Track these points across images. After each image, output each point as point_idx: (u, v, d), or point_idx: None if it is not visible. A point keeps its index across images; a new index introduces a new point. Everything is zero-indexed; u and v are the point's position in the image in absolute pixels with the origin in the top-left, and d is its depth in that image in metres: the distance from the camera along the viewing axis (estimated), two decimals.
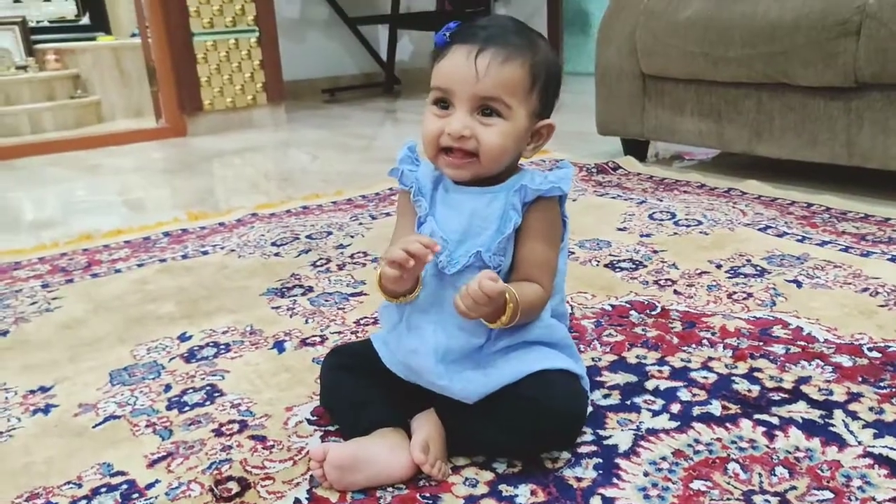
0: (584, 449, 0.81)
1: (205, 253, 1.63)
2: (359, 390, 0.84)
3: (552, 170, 0.82)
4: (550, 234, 0.81)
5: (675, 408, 0.88)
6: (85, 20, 4.57)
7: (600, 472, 0.77)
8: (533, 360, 0.79)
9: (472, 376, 0.79)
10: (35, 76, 3.93)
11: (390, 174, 0.87)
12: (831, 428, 0.82)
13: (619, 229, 1.61)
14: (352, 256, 1.54)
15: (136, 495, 0.79)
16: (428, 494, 0.75)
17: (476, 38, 0.77)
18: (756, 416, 0.85)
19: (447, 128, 0.77)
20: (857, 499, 0.71)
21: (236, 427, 0.91)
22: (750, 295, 1.21)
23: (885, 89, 1.68)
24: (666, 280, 1.30)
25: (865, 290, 1.20)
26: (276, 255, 1.59)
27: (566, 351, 0.84)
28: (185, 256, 1.62)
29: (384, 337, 0.86)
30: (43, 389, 1.05)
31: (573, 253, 1.48)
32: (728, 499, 0.72)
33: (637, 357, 1.02)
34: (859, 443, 0.79)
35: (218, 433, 0.90)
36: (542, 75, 0.79)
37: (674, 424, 0.85)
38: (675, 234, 1.56)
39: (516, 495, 0.74)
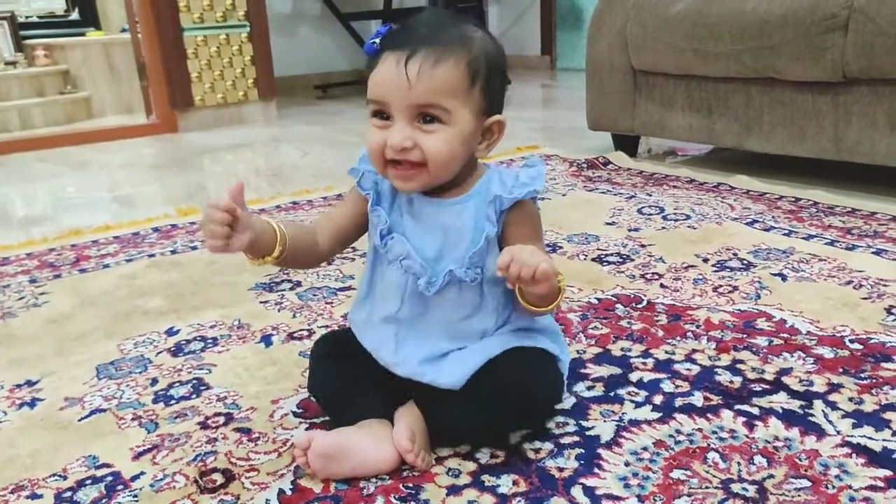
0: (566, 440, 0.82)
1: (194, 248, 1.63)
2: (345, 381, 0.85)
3: (522, 168, 0.80)
4: (537, 229, 0.81)
5: (658, 399, 0.89)
6: (74, 15, 4.54)
7: (582, 462, 0.77)
8: (511, 339, 0.80)
9: (453, 365, 0.79)
10: (24, 72, 3.91)
11: (350, 173, 0.84)
12: (811, 418, 0.83)
13: (608, 224, 1.62)
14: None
15: (120, 487, 0.79)
16: (411, 484, 0.76)
17: (404, 42, 0.73)
18: (737, 407, 0.86)
19: (389, 141, 0.73)
20: (834, 487, 0.71)
21: (222, 420, 0.91)
22: (735, 288, 1.22)
23: (873, 84, 1.69)
24: (653, 274, 1.31)
25: (849, 282, 1.21)
26: None
27: (550, 335, 0.84)
28: (173, 252, 1.62)
29: (360, 325, 0.85)
30: (29, 383, 1.05)
31: (561, 247, 1.48)
32: (707, 487, 0.72)
33: (622, 349, 1.03)
34: (838, 432, 0.80)
35: (203, 426, 0.90)
36: (483, 70, 0.75)
37: (656, 415, 0.86)
38: (664, 228, 1.57)
39: (498, 485, 0.75)
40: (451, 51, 0.73)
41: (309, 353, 0.93)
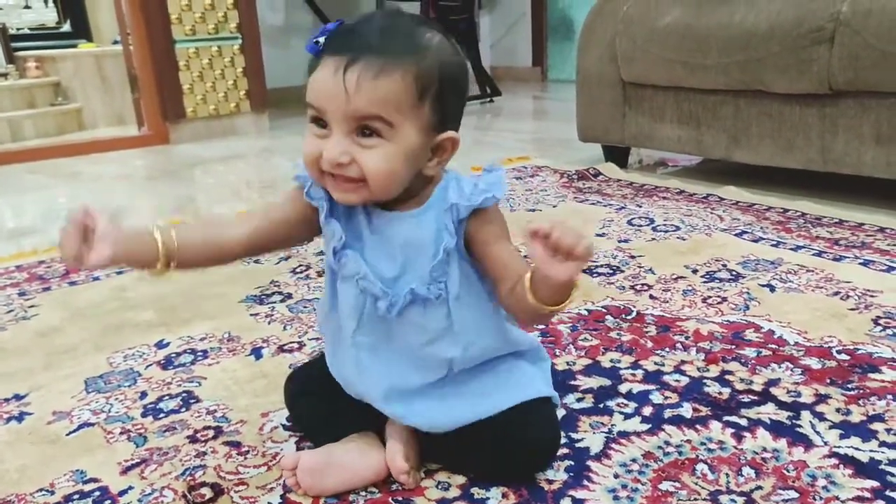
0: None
1: None
2: (323, 408, 0.83)
3: (482, 173, 0.74)
4: (505, 231, 0.74)
5: (647, 410, 0.89)
6: (66, 27, 4.54)
7: (571, 474, 0.78)
8: (503, 390, 0.76)
9: (431, 408, 0.76)
10: (15, 83, 3.90)
11: (296, 179, 0.76)
12: (798, 429, 0.84)
13: (598, 235, 1.63)
14: None
15: (108, 502, 0.79)
16: (400, 498, 0.76)
17: (346, 47, 0.66)
18: (725, 418, 0.86)
19: (324, 153, 0.67)
20: (821, 498, 0.72)
21: (211, 433, 0.91)
22: (724, 299, 1.23)
23: (859, 96, 1.71)
24: (642, 285, 1.32)
25: (837, 293, 1.22)
26: (256, 261, 1.58)
27: (532, 356, 0.83)
28: None
29: (330, 339, 0.81)
30: (17, 397, 1.04)
31: None
32: (695, 499, 0.73)
33: (611, 361, 1.03)
34: (825, 443, 0.81)
35: (193, 439, 0.90)
36: (435, 83, 0.68)
37: (645, 427, 0.86)
38: (653, 239, 1.57)
39: (488, 498, 0.75)
40: (398, 61, 0.65)
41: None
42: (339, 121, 0.66)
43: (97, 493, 0.80)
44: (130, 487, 0.81)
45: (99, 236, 0.65)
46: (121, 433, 0.93)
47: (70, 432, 0.94)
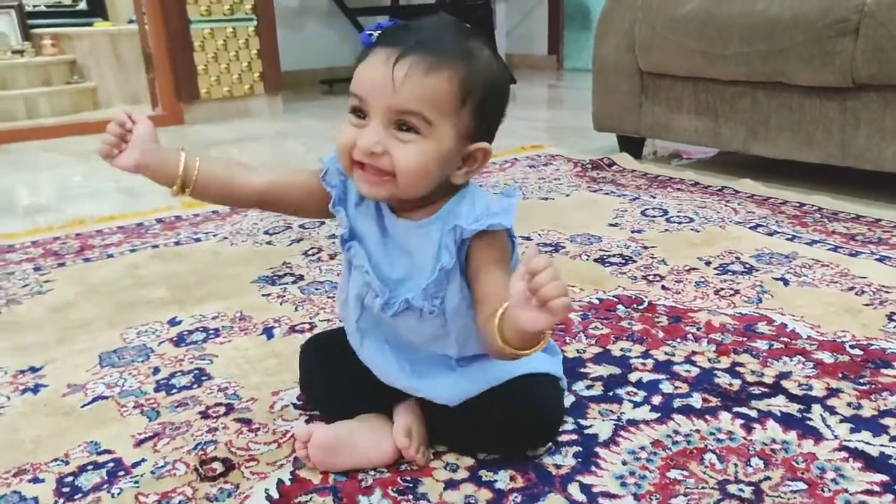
0: (564, 437, 0.82)
1: (197, 240, 1.64)
2: (338, 380, 0.85)
3: (499, 195, 0.74)
4: (504, 260, 0.73)
5: (657, 400, 0.89)
6: (82, 5, 4.55)
7: (579, 459, 0.78)
8: (512, 363, 0.75)
9: (448, 381, 0.77)
10: (31, 61, 3.91)
11: (321, 161, 0.78)
12: (808, 422, 0.83)
13: (611, 225, 1.62)
14: None
15: (121, 473, 0.80)
16: (409, 478, 0.76)
17: (401, 41, 0.67)
18: (735, 409, 0.86)
19: (359, 141, 0.67)
20: (829, 490, 0.72)
21: (223, 410, 0.92)
22: (737, 292, 1.22)
23: (882, 90, 1.69)
24: (654, 276, 1.31)
25: (851, 289, 1.22)
26: (269, 243, 1.59)
27: (545, 348, 0.83)
28: (177, 243, 1.62)
29: (346, 322, 0.83)
30: (33, 370, 1.06)
31: (564, 247, 1.48)
32: (703, 487, 0.73)
33: (622, 350, 1.03)
34: (835, 437, 0.80)
35: (204, 415, 0.91)
36: (479, 91, 0.68)
37: (654, 416, 0.86)
38: (667, 230, 1.57)
39: (496, 480, 0.75)
40: (449, 62, 0.67)
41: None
42: (380, 112, 0.67)
43: (111, 465, 0.82)
44: (143, 460, 0.82)
45: (132, 142, 0.73)
46: (134, 407, 0.94)
47: (84, 405, 0.95)
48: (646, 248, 1.46)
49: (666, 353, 1.01)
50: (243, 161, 0.84)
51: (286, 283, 1.35)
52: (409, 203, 0.73)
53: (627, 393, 0.91)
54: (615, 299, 1.21)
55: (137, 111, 0.76)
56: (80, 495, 0.76)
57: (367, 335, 0.79)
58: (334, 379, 0.85)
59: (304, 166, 0.81)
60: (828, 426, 0.82)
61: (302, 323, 1.17)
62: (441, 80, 0.66)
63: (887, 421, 0.83)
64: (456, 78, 0.67)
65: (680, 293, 1.23)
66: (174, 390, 0.98)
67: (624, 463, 0.77)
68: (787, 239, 1.48)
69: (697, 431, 0.82)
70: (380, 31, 0.70)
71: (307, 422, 0.89)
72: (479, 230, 0.69)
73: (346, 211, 0.76)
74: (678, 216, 1.66)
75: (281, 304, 1.26)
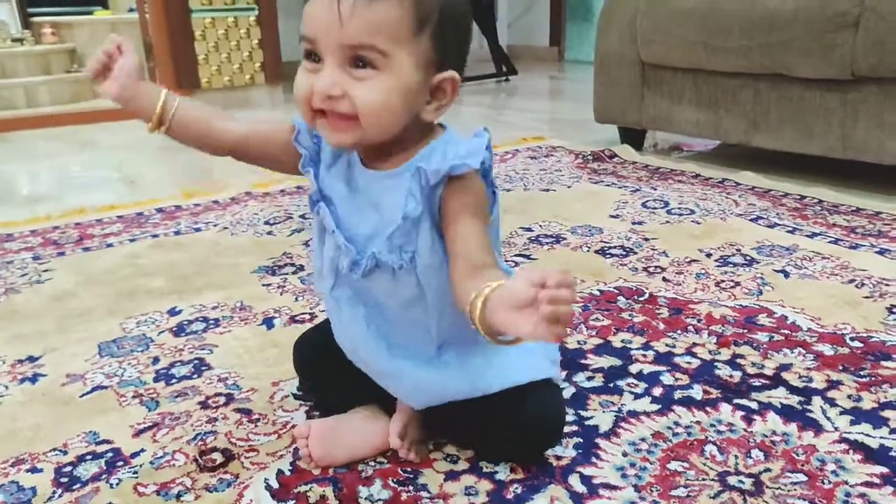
0: (565, 429, 0.81)
1: (198, 230, 1.63)
2: (329, 379, 0.83)
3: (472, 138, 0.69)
4: (478, 207, 0.68)
5: (658, 391, 0.89)
6: None
7: (580, 451, 0.78)
8: (501, 370, 0.73)
9: (424, 376, 0.73)
10: (31, 49, 3.90)
11: (293, 121, 0.75)
12: (809, 414, 0.83)
13: (612, 216, 1.62)
14: None
15: (120, 463, 0.80)
16: (409, 469, 0.76)
17: None
18: (736, 401, 0.86)
19: (315, 85, 0.63)
20: (830, 482, 0.72)
21: (222, 400, 0.92)
22: (737, 284, 1.22)
23: (882, 83, 1.68)
24: (655, 267, 1.31)
25: (852, 281, 1.21)
26: (269, 233, 1.59)
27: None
28: (177, 233, 1.62)
29: (324, 298, 0.79)
30: (31, 359, 1.06)
31: (564, 238, 1.48)
32: (703, 479, 0.73)
33: (622, 341, 1.03)
34: (836, 428, 0.80)
35: (204, 405, 0.91)
36: (435, 14, 0.64)
37: (655, 407, 0.86)
38: (667, 222, 1.56)
39: (496, 472, 0.75)
40: None
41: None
42: (332, 51, 0.63)
43: (110, 454, 0.82)
44: (143, 450, 0.82)
45: (114, 74, 0.73)
46: (133, 397, 0.94)
47: (83, 394, 0.95)
48: (647, 239, 1.46)
49: (667, 345, 1.01)
50: (220, 110, 0.81)
51: (286, 274, 1.34)
52: (380, 151, 0.69)
53: (628, 384, 0.91)
54: (616, 291, 1.21)
55: (124, 42, 0.75)
56: (78, 485, 0.76)
57: (342, 305, 0.74)
58: (326, 376, 0.84)
59: (280, 122, 0.79)
60: (828, 418, 0.82)
61: (302, 313, 1.17)
62: (390, 5, 0.62)
63: (887, 413, 0.83)
64: (406, 2, 0.62)
65: (681, 285, 1.23)
66: (174, 380, 0.97)
67: (624, 454, 0.77)
68: (788, 231, 1.47)
69: (698, 423, 0.82)
70: None
71: (307, 413, 0.88)
72: (444, 173, 0.65)
73: (316, 172, 0.74)
74: (679, 208, 1.66)
75: (281, 294, 1.25)
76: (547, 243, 1.46)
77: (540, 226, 1.56)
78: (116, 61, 0.73)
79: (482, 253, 0.64)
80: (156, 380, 0.98)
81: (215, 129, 0.78)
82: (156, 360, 1.03)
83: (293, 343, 0.92)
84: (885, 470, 0.73)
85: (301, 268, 1.37)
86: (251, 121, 0.80)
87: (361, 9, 0.61)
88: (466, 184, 0.67)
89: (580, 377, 0.93)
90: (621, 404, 0.87)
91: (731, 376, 0.92)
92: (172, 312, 1.19)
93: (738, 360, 0.96)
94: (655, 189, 1.82)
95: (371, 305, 0.73)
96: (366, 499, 0.72)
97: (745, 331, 1.04)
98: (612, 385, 0.91)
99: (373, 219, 0.70)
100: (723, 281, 1.24)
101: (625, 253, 1.39)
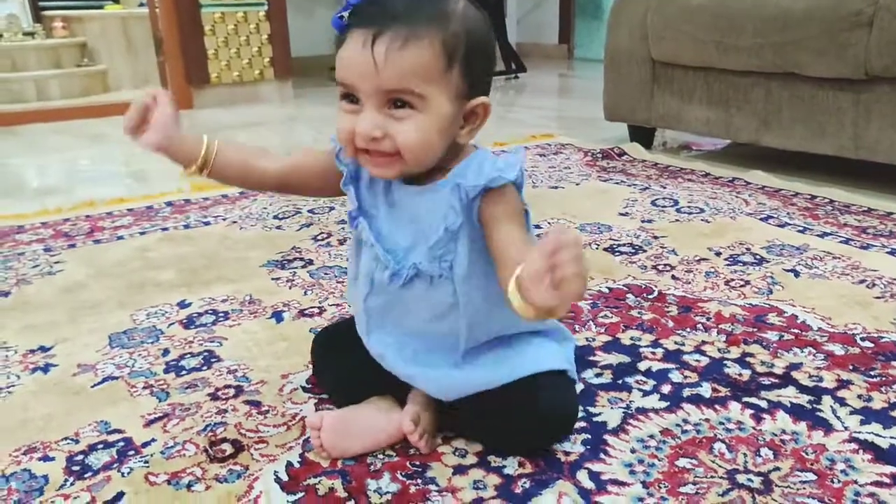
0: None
1: (207, 223, 1.64)
2: (347, 369, 0.84)
3: (503, 154, 0.73)
4: (515, 214, 0.71)
5: (666, 388, 0.89)
6: None
7: (588, 447, 0.78)
8: (519, 361, 0.76)
9: (449, 374, 0.76)
10: (42, 43, 3.92)
11: (332, 140, 0.77)
12: (819, 413, 0.83)
13: (621, 214, 1.61)
14: None
15: (131, 452, 0.80)
16: (418, 462, 0.76)
17: (372, 18, 0.65)
18: (745, 399, 0.86)
19: (357, 128, 0.67)
20: (839, 481, 0.72)
21: (232, 392, 0.92)
22: (747, 282, 1.22)
23: (895, 83, 1.67)
24: (664, 265, 1.31)
25: (863, 281, 1.21)
26: (278, 227, 1.59)
27: (555, 335, 0.82)
28: (187, 226, 1.63)
29: (353, 306, 0.83)
30: (43, 349, 1.06)
31: None
32: (712, 477, 0.73)
33: (631, 339, 1.03)
34: (846, 428, 0.80)
35: (214, 397, 0.91)
36: (461, 48, 0.67)
37: (663, 404, 0.86)
38: (677, 220, 1.56)
39: (504, 466, 0.75)
40: (424, 29, 0.65)
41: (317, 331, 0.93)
42: (371, 95, 0.66)
43: (121, 444, 0.82)
44: (153, 439, 0.83)
45: (153, 124, 0.74)
46: (144, 388, 0.94)
47: (95, 384, 0.96)
48: (656, 237, 1.45)
49: (676, 343, 1.01)
50: (258, 147, 0.84)
51: (295, 268, 1.35)
52: (421, 173, 0.73)
53: (637, 381, 0.91)
54: (625, 288, 1.21)
55: (162, 92, 0.76)
56: (90, 473, 0.77)
57: (374, 316, 0.78)
58: (345, 366, 0.85)
59: (315, 150, 0.82)
60: (838, 417, 0.82)
61: (311, 307, 1.17)
62: (421, 49, 0.65)
63: None
64: (436, 43, 0.66)
65: (690, 283, 1.22)
66: (184, 372, 0.98)
67: (633, 451, 0.77)
68: (799, 231, 1.47)
69: (707, 421, 0.82)
70: (349, 11, 0.68)
71: (317, 405, 0.89)
72: (482, 186, 0.69)
73: (356, 189, 0.77)
74: (689, 206, 1.65)
75: (290, 288, 1.26)
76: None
77: (549, 223, 1.56)
78: (153, 112, 0.74)
79: (520, 251, 0.65)
80: (166, 371, 0.98)
81: (255, 169, 0.81)
82: (166, 351, 1.04)
83: (304, 335, 0.92)
84: (894, 470, 0.73)
85: (310, 262, 1.38)
86: (288, 157, 0.83)
87: (394, 54, 0.64)
88: (501, 194, 0.70)
89: (589, 374, 0.93)
90: (630, 401, 0.87)
91: (740, 375, 0.92)
92: (182, 305, 1.20)
93: (748, 359, 0.96)
94: (665, 187, 1.82)
95: (401, 319, 0.77)
96: (374, 491, 0.72)
97: (755, 329, 1.04)
98: (620, 382, 0.91)
99: (411, 231, 0.74)
100: (732, 279, 1.23)
101: (634, 251, 1.39)
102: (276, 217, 1.66)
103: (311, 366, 0.94)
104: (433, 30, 0.66)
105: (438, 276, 0.72)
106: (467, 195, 0.70)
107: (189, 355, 1.03)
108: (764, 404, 0.85)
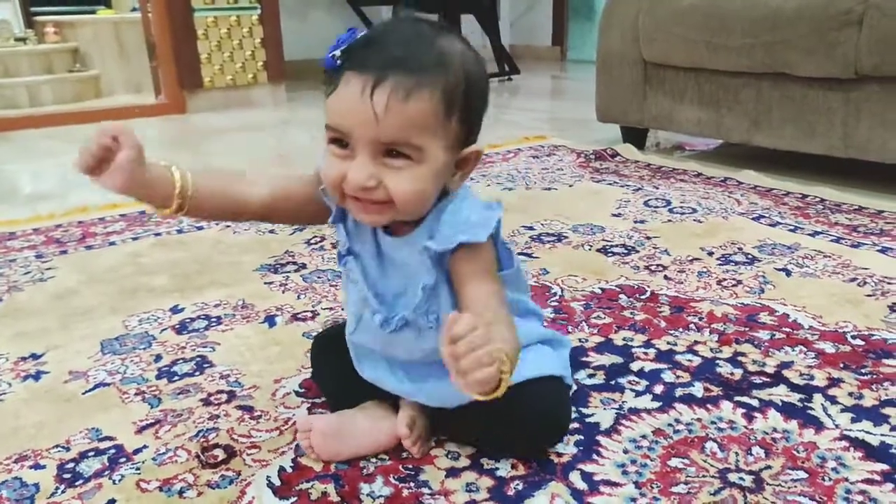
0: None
1: (200, 228, 1.64)
2: (344, 373, 0.83)
3: (483, 207, 0.70)
4: (487, 269, 0.69)
5: (659, 389, 0.89)
6: None
7: (581, 448, 0.78)
8: (520, 367, 0.70)
9: (446, 385, 0.71)
10: (34, 49, 3.90)
11: (317, 169, 0.72)
12: (810, 411, 0.83)
13: (614, 215, 1.62)
14: None
15: (123, 459, 0.80)
16: (410, 466, 0.76)
17: (371, 63, 0.62)
18: (737, 399, 0.86)
19: (349, 176, 0.64)
20: (830, 479, 0.72)
21: (224, 397, 0.92)
22: (739, 282, 1.22)
23: (885, 82, 1.68)
24: (657, 265, 1.31)
25: (853, 279, 1.21)
26: (271, 231, 1.59)
27: (550, 340, 0.82)
28: (179, 231, 1.62)
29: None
30: (34, 356, 1.06)
31: (566, 237, 1.48)
32: (704, 476, 0.73)
33: (624, 339, 1.03)
34: (836, 426, 0.80)
35: (206, 402, 0.91)
36: (461, 96, 0.65)
37: (656, 405, 0.86)
38: (669, 221, 1.56)
39: (497, 468, 0.75)
40: (427, 78, 0.62)
41: (313, 335, 0.93)
42: (366, 145, 0.63)
43: (112, 451, 0.82)
44: (145, 446, 0.82)
45: (116, 166, 0.63)
46: (136, 394, 0.94)
47: (86, 391, 0.95)
48: (648, 238, 1.46)
49: (668, 343, 1.01)
50: (236, 174, 0.77)
51: (288, 272, 1.35)
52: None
53: (629, 382, 0.91)
54: (618, 289, 1.21)
55: (124, 131, 0.64)
56: (81, 481, 0.77)
57: (361, 349, 0.79)
58: (341, 371, 0.84)
59: (308, 153, 0.79)
60: (829, 416, 0.82)
61: (304, 311, 1.17)
62: (423, 101, 0.62)
63: (888, 411, 0.83)
64: (437, 92, 0.63)
65: (682, 283, 1.23)
66: (176, 377, 0.98)
67: (625, 451, 0.77)
68: (790, 230, 1.47)
69: (699, 420, 0.82)
70: (343, 51, 0.64)
71: (309, 409, 0.89)
72: (452, 248, 0.67)
73: (345, 226, 0.74)
74: (681, 207, 1.66)
75: (283, 292, 1.26)
76: (549, 242, 1.46)
77: (542, 224, 1.56)
78: (115, 152, 0.63)
79: (487, 314, 0.64)
80: (158, 377, 0.98)
81: (240, 200, 0.74)
82: (158, 357, 1.04)
83: (297, 340, 0.92)
84: (885, 467, 0.73)
85: (303, 266, 1.38)
86: (272, 181, 0.76)
87: (396, 107, 0.61)
88: (472, 250, 0.68)
89: (581, 374, 0.93)
90: (622, 401, 0.87)
91: (732, 374, 0.92)
92: (175, 310, 1.20)
93: (740, 358, 0.96)
94: (657, 188, 1.82)
95: (391, 351, 0.77)
96: (367, 495, 0.72)
97: (747, 329, 1.04)
98: (613, 382, 0.91)
99: (399, 279, 0.72)
100: (724, 279, 1.24)
101: (626, 251, 1.39)
102: None
103: (307, 369, 0.94)
104: (434, 79, 0.63)
105: (428, 328, 0.72)
106: (437, 254, 0.68)
107: (181, 361, 1.02)
108: (755, 403, 0.85)
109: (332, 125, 0.65)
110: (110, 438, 0.84)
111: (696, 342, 1.01)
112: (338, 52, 0.64)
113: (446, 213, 0.69)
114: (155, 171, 0.67)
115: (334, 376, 0.86)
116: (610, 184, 1.89)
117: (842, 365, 0.93)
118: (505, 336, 0.63)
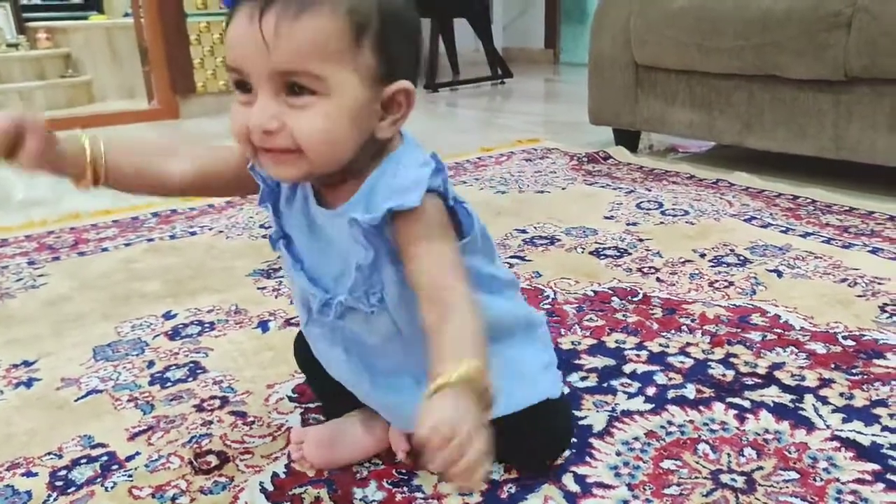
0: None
1: (193, 233, 1.64)
2: (330, 381, 0.78)
3: (417, 166, 0.61)
4: (438, 231, 0.60)
5: (651, 391, 0.90)
6: None
7: (573, 450, 0.78)
8: (508, 395, 0.64)
9: (412, 407, 0.56)
10: (26, 54, 3.90)
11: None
12: (801, 412, 0.84)
13: (606, 218, 1.62)
14: None
15: (115, 466, 0.80)
16: (404, 470, 0.76)
17: None
18: (729, 400, 0.87)
19: (249, 122, 0.56)
20: (822, 479, 0.72)
21: (217, 403, 0.92)
22: (731, 283, 1.23)
23: (874, 83, 1.69)
24: (649, 268, 1.32)
25: (844, 280, 1.22)
26: (264, 236, 1.59)
27: (523, 336, 0.74)
28: (172, 237, 1.62)
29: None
30: (26, 363, 1.06)
31: (559, 240, 1.49)
32: (696, 477, 0.73)
33: (616, 342, 1.03)
34: (828, 426, 0.81)
35: (199, 408, 0.91)
36: (374, 20, 0.56)
37: (648, 407, 0.86)
38: (662, 223, 1.57)
39: (490, 472, 0.75)
40: None
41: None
42: (263, 79, 0.55)
43: (105, 458, 0.82)
44: (138, 453, 0.82)
45: (25, 153, 0.60)
46: (128, 400, 0.94)
47: (78, 398, 0.95)
48: (641, 240, 1.46)
49: (660, 345, 1.01)
50: (158, 145, 0.75)
51: (281, 277, 1.35)
52: (333, 177, 0.62)
53: (622, 384, 0.91)
54: (610, 291, 1.21)
55: (28, 119, 0.60)
56: (73, 489, 0.76)
57: (321, 341, 0.71)
58: (326, 375, 0.84)
59: (225, 148, 0.70)
60: (820, 416, 0.83)
61: (297, 316, 1.16)
62: (320, 19, 0.54)
63: (879, 411, 0.84)
64: (339, 12, 0.54)
65: (674, 285, 1.23)
66: (169, 383, 0.97)
67: (618, 453, 0.77)
68: (781, 231, 1.48)
69: (691, 422, 0.83)
70: None
71: (302, 415, 0.89)
72: (381, 218, 0.58)
73: (276, 207, 0.67)
74: (673, 209, 1.66)
75: (276, 297, 1.25)
76: (542, 245, 1.46)
77: (535, 227, 1.57)
78: (21, 135, 0.59)
79: (436, 280, 0.58)
80: (151, 383, 0.98)
81: (155, 173, 0.69)
82: (151, 363, 1.03)
83: (289, 349, 0.91)
84: (876, 467, 0.74)
85: None
86: (199, 157, 0.71)
87: (287, 28, 0.53)
88: (413, 218, 0.59)
89: (574, 377, 0.93)
90: (615, 404, 0.87)
91: (724, 375, 0.93)
92: (167, 316, 1.19)
93: (732, 360, 0.96)
94: (650, 190, 1.83)
95: (349, 339, 0.69)
96: (360, 500, 0.72)
97: (739, 330, 1.05)
98: (605, 385, 0.92)
99: (336, 258, 0.64)
100: (716, 281, 1.24)
101: (619, 254, 1.39)
102: (262, 226, 1.66)
103: (300, 374, 0.94)
104: None
105: (370, 312, 0.64)
106: (367, 229, 0.59)
107: (174, 367, 1.02)
108: (747, 404, 0.86)
109: (228, 63, 0.58)
110: (103, 445, 0.84)
111: (688, 344, 1.02)
112: None
113: (386, 174, 0.61)
114: (66, 144, 0.63)
115: (319, 384, 0.85)
116: (602, 186, 1.89)
117: (833, 365, 0.94)
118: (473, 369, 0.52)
